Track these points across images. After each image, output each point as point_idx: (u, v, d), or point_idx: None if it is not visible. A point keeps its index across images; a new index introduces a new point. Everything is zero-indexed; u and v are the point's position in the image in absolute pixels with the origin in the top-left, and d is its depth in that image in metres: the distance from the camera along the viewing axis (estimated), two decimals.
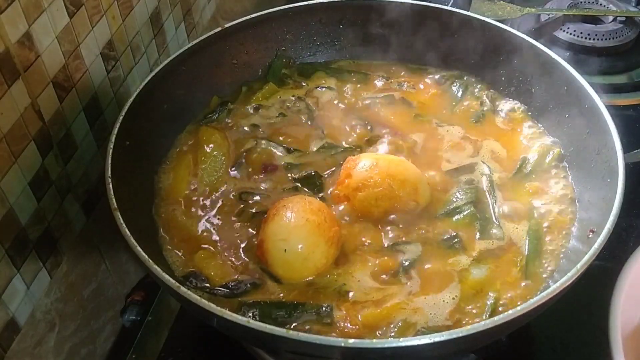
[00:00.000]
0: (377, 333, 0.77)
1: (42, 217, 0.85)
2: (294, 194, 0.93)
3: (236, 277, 0.83)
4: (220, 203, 0.93)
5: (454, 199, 0.92)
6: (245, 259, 0.86)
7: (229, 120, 1.06)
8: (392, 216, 0.89)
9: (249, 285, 0.82)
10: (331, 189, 0.93)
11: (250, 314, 0.78)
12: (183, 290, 0.70)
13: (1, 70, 0.73)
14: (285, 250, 0.81)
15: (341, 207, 0.90)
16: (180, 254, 0.87)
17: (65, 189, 0.90)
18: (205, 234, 0.89)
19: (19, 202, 0.79)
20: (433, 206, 0.91)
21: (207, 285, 0.82)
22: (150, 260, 0.73)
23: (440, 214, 0.90)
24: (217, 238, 0.88)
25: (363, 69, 1.16)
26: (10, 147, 0.77)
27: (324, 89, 1.12)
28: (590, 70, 1.31)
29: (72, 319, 0.95)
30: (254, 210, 0.91)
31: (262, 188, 0.95)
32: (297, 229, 0.81)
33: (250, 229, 0.89)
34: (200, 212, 0.92)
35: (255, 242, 0.85)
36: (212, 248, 0.87)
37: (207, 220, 0.91)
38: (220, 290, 0.82)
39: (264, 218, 0.86)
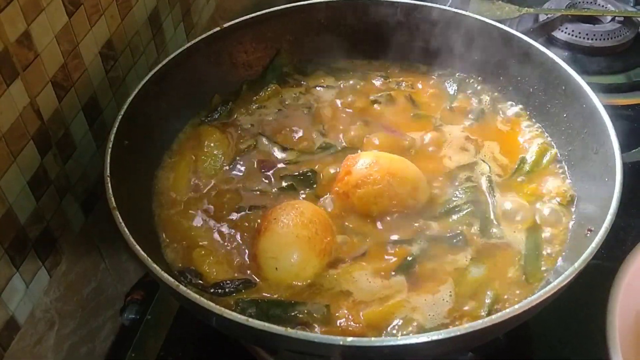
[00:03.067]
0: (384, 330, 0.77)
1: (41, 217, 0.85)
2: (292, 193, 0.93)
3: (232, 275, 0.83)
4: (218, 201, 0.93)
5: (454, 198, 0.92)
6: (242, 257, 0.86)
7: (229, 119, 1.07)
8: (391, 214, 0.89)
9: (241, 284, 0.82)
10: (330, 188, 0.93)
11: (248, 313, 0.78)
12: (182, 289, 0.70)
13: (0, 69, 0.73)
14: (276, 268, 0.81)
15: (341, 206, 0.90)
16: (178, 252, 0.87)
17: (64, 188, 0.90)
18: (203, 232, 0.89)
19: (18, 202, 0.79)
20: (432, 205, 0.91)
21: (200, 282, 0.83)
22: (150, 260, 0.73)
23: (439, 212, 0.90)
24: (215, 236, 0.88)
25: (362, 69, 1.17)
26: (9, 147, 0.77)
27: (322, 88, 1.12)
28: (588, 70, 1.32)
29: (72, 318, 0.95)
30: (252, 209, 0.91)
31: (261, 187, 0.95)
32: (287, 246, 0.81)
33: (247, 228, 0.89)
34: (198, 211, 0.92)
35: (250, 252, 0.86)
36: (209, 246, 0.87)
37: (205, 219, 0.91)
38: (212, 288, 0.82)
39: (257, 228, 0.86)
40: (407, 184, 0.89)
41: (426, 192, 0.91)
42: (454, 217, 0.90)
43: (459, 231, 0.88)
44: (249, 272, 0.84)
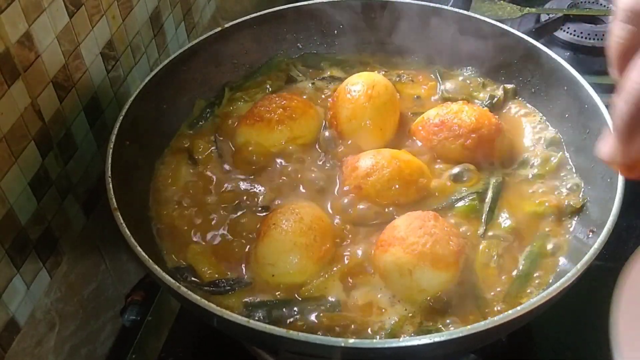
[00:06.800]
0: None
1: (42, 217, 0.85)
2: (293, 194, 0.93)
3: (226, 274, 0.83)
4: (217, 200, 0.93)
5: (461, 190, 0.92)
6: (238, 257, 0.86)
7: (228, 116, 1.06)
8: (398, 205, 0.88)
9: (236, 283, 0.82)
10: (337, 189, 0.93)
11: (257, 315, 0.78)
12: (183, 290, 0.70)
13: (1, 70, 0.73)
14: (273, 275, 0.81)
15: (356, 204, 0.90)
16: (177, 251, 0.87)
17: (65, 189, 0.90)
18: (201, 231, 0.89)
19: (19, 202, 0.79)
20: (438, 197, 0.91)
21: (196, 280, 0.83)
22: (150, 260, 0.73)
23: (445, 203, 0.90)
24: (213, 235, 0.88)
25: (361, 62, 1.17)
26: (10, 147, 0.76)
27: (325, 81, 1.12)
28: (590, 70, 1.31)
29: (72, 319, 0.95)
30: (251, 209, 0.91)
31: (259, 184, 0.94)
32: (284, 254, 0.80)
33: (245, 227, 0.88)
34: (197, 210, 0.92)
35: (247, 254, 0.86)
36: (205, 244, 0.87)
37: (204, 218, 0.91)
38: (207, 286, 0.82)
39: (256, 232, 0.85)
40: (413, 164, 0.91)
41: (430, 174, 0.92)
42: (458, 204, 0.90)
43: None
44: (244, 272, 0.84)
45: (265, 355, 0.92)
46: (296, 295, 0.81)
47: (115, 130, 0.87)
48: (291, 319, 0.78)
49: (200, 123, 1.05)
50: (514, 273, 0.83)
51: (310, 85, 1.12)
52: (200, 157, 0.99)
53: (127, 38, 1.02)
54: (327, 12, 1.15)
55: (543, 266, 0.84)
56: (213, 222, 0.90)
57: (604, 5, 1.43)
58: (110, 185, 0.80)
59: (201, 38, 1.05)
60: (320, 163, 0.97)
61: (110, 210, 0.78)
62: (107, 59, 0.97)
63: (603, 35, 1.36)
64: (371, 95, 0.96)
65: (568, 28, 1.38)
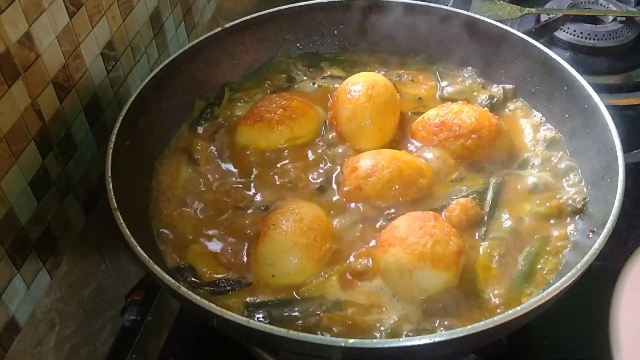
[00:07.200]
0: None
1: (42, 217, 0.85)
2: (293, 193, 0.93)
3: (227, 274, 0.84)
4: (216, 200, 0.93)
5: (461, 190, 0.92)
6: (238, 257, 0.86)
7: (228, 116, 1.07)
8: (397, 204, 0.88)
9: (236, 283, 0.82)
10: (337, 190, 0.93)
11: (259, 315, 0.78)
12: (183, 290, 0.70)
13: (1, 70, 0.73)
14: (273, 275, 0.81)
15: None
16: (177, 251, 0.87)
17: (65, 189, 0.90)
18: (202, 231, 0.89)
19: (19, 202, 0.79)
20: (438, 197, 0.91)
21: (196, 280, 0.83)
22: (151, 260, 0.73)
23: (445, 204, 0.90)
24: (213, 235, 0.88)
25: (362, 62, 1.17)
26: (10, 147, 0.77)
27: (326, 80, 1.12)
28: (590, 70, 1.31)
29: (72, 319, 0.95)
30: (251, 209, 0.91)
31: (259, 184, 0.94)
32: (284, 254, 0.80)
33: (245, 227, 0.89)
34: (197, 210, 0.92)
35: (247, 254, 0.86)
36: (206, 245, 0.87)
37: (204, 218, 0.91)
38: (207, 286, 0.82)
39: (256, 232, 0.85)
40: (413, 165, 0.91)
41: (430, 173, 0.92)
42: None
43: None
44: (245, 272, 0.84)
45: (265, 355, 0.92)
46: (296, 295, 0.81)
47: (115, 130, 0.87)
48: (291, 319, 0.78)
49: (200, 123, 1.05)
50: (514, 273, 0.83)
51: (310, 85, 1.12)
52: (200, 157, 0.99)
53: (127, 38, 1.02)
54: (327, 12, 1.15)
55: (543, 266, 0.84)
56: (213, 222, 0.90)
57: (604, 5, 1.43)
58: (110, 185, 0.80)
59: (201, 38, 1.06)
60: (320, 163, 0.97)
61: (110, 210, 0.78)
62: (107, 59, 0.97)
63: (603, 35, 1.36)
64: (371, 95, 0.96)
65: (568, 28, 1.38)
